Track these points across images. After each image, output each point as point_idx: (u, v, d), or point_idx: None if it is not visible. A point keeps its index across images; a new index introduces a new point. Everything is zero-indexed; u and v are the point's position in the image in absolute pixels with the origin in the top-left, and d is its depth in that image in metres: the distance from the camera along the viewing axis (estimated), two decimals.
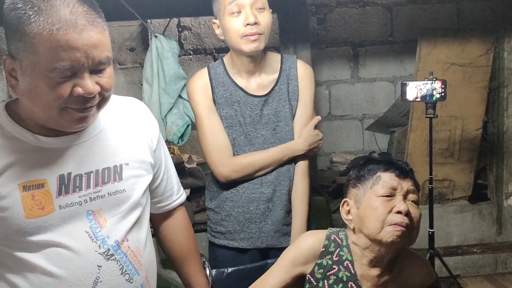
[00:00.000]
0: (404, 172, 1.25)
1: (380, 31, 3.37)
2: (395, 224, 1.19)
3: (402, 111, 3.28)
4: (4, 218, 0.97)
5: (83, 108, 0.97)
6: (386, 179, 1.23)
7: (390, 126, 3.42)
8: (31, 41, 0.90)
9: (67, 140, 1.03)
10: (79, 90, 0.94)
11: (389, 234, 1.19)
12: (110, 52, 0.98)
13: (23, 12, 0.89)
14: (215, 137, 1.66)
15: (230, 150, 1.67)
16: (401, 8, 3.35)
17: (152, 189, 1.23)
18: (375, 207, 1.21)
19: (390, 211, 1.20)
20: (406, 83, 2.33)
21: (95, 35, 0.93)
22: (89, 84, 0.94)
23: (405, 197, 1.23)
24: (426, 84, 2.30)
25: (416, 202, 1.25)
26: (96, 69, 0.96)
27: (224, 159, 1.65)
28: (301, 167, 1.73)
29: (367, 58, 3.41)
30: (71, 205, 1.02)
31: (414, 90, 2.31)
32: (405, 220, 1.19)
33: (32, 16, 0.89)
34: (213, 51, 3.19)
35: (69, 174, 1.03)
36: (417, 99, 2.36)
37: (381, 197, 1.22)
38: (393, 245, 1.20)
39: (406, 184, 1.24)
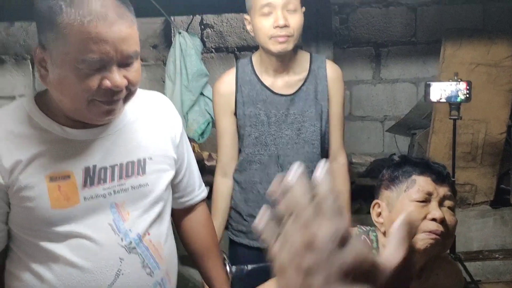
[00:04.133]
0: (441, 176, 1.19)
1: (404, 32, 3.33)
2: (429, 231, 1.14)
3: (424, 113, 3.23)
4: (31, 208, 0.99)
5: (110, 101, 0.98)
6: (421, 183, 1.17)
7: (411, 128, 3.37)
8: (62, 32, 0.91)
9: (93, 132, 1.05)
10: (107, 83, 0.95)
11: (422, 241, 1.14)
12: (138, 47, 0.99)
13: (54, 2, 0.91)
14: (222, 141, 1.74)
15: (233, 156, 1.73)
16: (426, 9, 3.30)
17: (174, 184, 1.24)
18: (409, 212, 1.15)
19: (425, 218, 1.15)
20: (430, 83, 2.29)
21: (124, 29, 0.94)
22: (117, 77, 0.95)
23: (440, 203, 1.17)
24: (451, 85, 2.26)
25: (452, 209, 1.19)
26: (124, 62, 0.97)
27: (223, 167, 1.75)
28: (342, 167, 1.74)
29: (389, 59, 3.37)
30: (95, 197, 1.03)
31: (438, 91, 2.28)
32: (440, 228, 1.14)
33: (63, 7, 0.90)
34: (235, 49, 3.19)
35: (94, 166, 1.04)
36: (441, 100, 2.32)
37: (416, 202, 1.16)
38: (425, 253, 1.16)
39: (443, 190, 1.18)
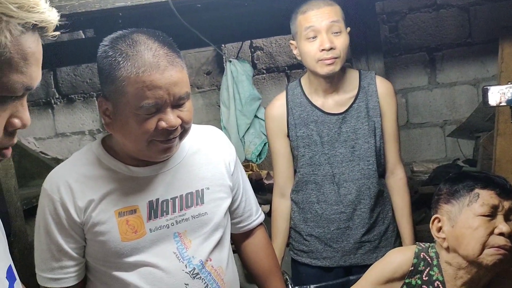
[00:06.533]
0: (505, 190, 1.18)
1: (458, 34, 3.23)
2: (498, 247, 1.13)
3: (487, 115, 3.10)
4: (103, 242, 1.10)
5: (167, 139, 1.07)
6: (485, 197, 1.17)
7: (474, 132, 3.24)
8: (121, 84, 1.01)
9: (155, 169, 1.14)
10: (163, 124, 1.04)
11: (490, 257, 1.13)
12: (188, 88, 1.08)
13: (113, 59, 1.01)
14: (277, 163, 1.79)
15: (289, 177, 1.78)
16: (479, 8, 3.19)
17: (232, 210, 1.30)
18: (475, 227, 1.15)
19: (492, 232, 1.14)
20: (487, 88, 2.21)
21: (175, 73, 1.03)
22: (172, 118, 1.04)
23: (506, 216, 1.16)
24: (510, 88, 2.18)
25: None
26: (177, 104, 1.05)
27: (280, 188, 1.80)
28: (401, 182, 1.74)
29: (444, 62, 3.28)
30: (159, 228, 1.12)
31: (497, 95, 2.19)
32: (508, 242, 1.13)
33: (121, 62, 1.00)
34: (286, 68, 3.25)
35: (157, 199, 1.13)
36: (502, 104, 2.23)
37: (481, 217, 1.15)
38: (494, 269, 1.15)
39: (508, 203, 1.17)
